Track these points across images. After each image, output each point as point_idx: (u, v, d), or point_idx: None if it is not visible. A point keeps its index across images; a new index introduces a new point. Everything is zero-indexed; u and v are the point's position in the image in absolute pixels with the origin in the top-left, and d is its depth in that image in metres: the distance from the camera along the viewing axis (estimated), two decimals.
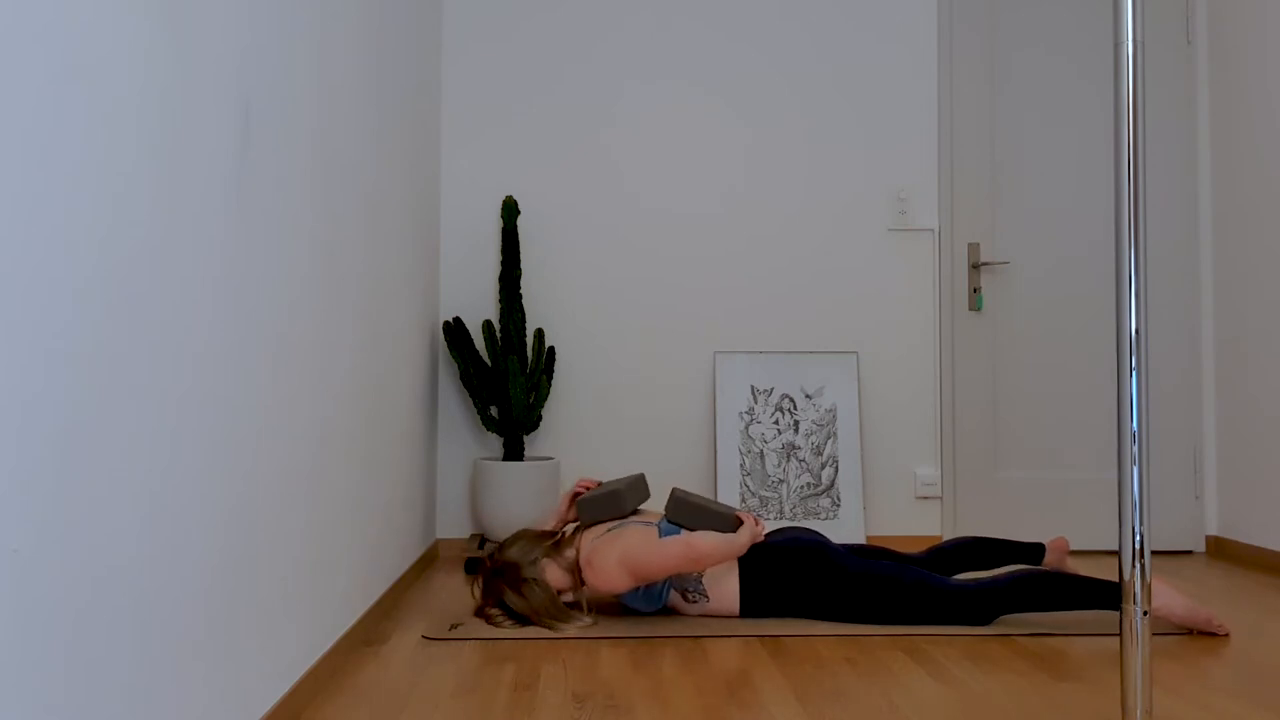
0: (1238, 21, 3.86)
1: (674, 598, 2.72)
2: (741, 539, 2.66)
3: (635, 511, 2.90)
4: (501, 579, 2.67)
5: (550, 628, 2.61)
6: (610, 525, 2.77)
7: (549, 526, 2.92)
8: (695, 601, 2.71)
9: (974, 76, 4.03)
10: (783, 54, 4.04)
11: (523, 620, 2.64)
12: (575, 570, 2.70)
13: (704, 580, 2.71)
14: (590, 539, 2.75)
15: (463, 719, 1.91)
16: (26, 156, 1.01)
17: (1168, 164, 4.03)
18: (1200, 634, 2.58)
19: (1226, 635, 2.57)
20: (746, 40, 4.04)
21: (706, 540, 2.60)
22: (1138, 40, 1.62)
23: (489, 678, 2.19)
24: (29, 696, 1.03)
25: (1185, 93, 4.04)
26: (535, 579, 2.65)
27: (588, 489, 2.93)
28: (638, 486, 2.87)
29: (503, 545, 2.76)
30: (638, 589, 2.68)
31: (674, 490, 2.83)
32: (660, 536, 2.68)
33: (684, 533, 2.66)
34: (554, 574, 2.69)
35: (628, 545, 2.61)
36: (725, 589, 2.70)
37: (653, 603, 2.71)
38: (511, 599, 2.64)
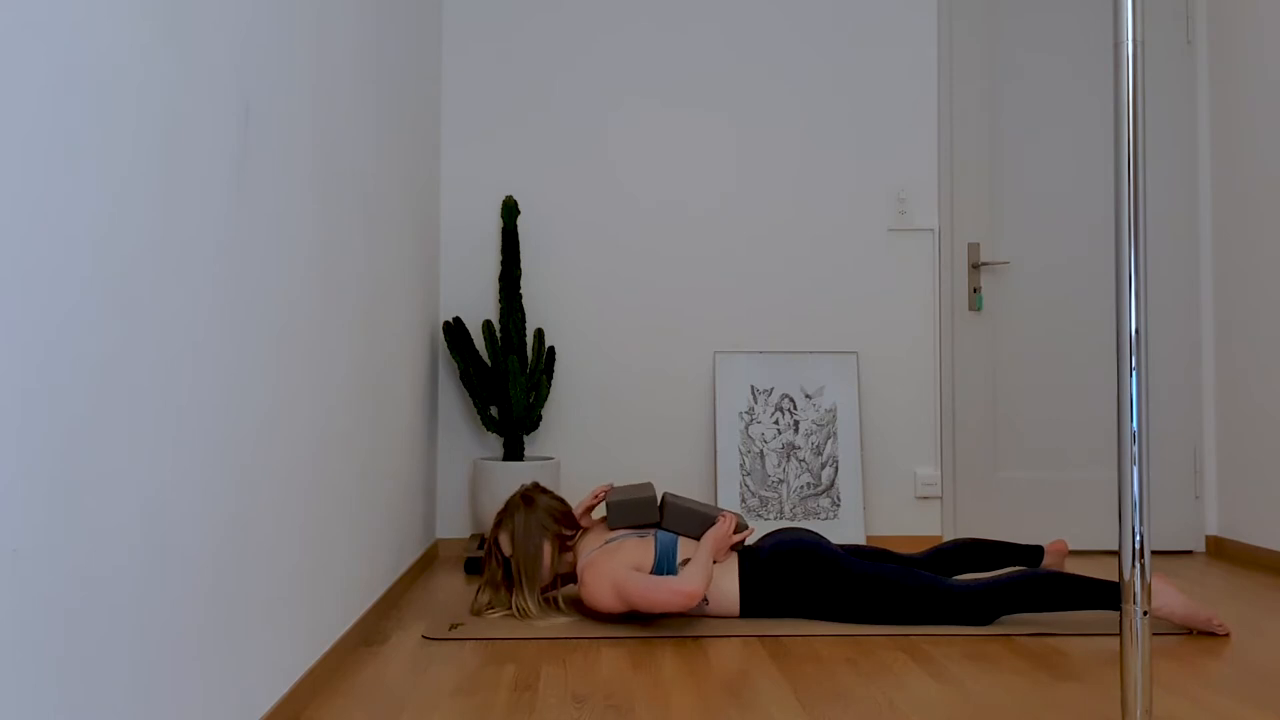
0: (1238, 21, 3.86)
1: None
2: (706, 545, 2.66)
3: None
4: (523, 512, 2.74)
5: (522, 609, 2.67)
6: (609, 537, 2.77)
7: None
8: (697, 605, 2.71)
9: (974, 76, 4.03)
10: (782, 54, 4.04)
11: (506, 576, 2.72)
12: (560, 575, 2.79)
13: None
14: (587, 549, 2.76)
15: (462, 719, 1.91)
16: (26, 157, 1.01)
17: (1168, 164, 4.03)
18: (1200, 634, 2.58)
19: (1227, 635, 2.57)
20: (746, 41, 4.03)
21: (694, 580, 2.57)
22: (1138, 40, 1.62)
23: (489, 678, 2.19)
24: (29, 696, 1.03)
25: (1185, 93, 4.04)
26: (537, 545, 2.71)
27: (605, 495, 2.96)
28: (655, 500, 2.85)
29: (542, 488, 2.83)
30: None
31: (665, 495, 2.84)
32: (656, 549, 2.69)
33: (671, 577, 2.62)
34: (547, 560, 2.73)
35: (624, 578, 2.59)
36: (725, 591, 2.70)
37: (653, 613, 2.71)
38: (514, 530, 2.71)
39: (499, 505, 3.54)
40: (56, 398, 1.07)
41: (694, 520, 2.76)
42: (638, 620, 2.69)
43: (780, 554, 2.71)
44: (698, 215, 4.00)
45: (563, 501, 2.84)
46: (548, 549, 2.74)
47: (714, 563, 2.69)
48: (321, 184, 2.09)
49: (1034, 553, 2.98)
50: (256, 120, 1.68)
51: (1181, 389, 3.99)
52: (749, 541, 3.33)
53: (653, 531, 2.76)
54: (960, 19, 4.04)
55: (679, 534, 2.76)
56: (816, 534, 2.82)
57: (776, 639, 2.54)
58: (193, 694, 1.43)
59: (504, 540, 2.76)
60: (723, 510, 2.82)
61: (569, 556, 2.80)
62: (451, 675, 2.21)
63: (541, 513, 2.76)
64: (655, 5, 4.02)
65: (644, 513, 2.79)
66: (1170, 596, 2.54)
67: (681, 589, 2.54)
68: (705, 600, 2.70)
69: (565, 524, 2.79)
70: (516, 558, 2.72)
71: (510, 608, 2.72)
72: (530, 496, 2.80)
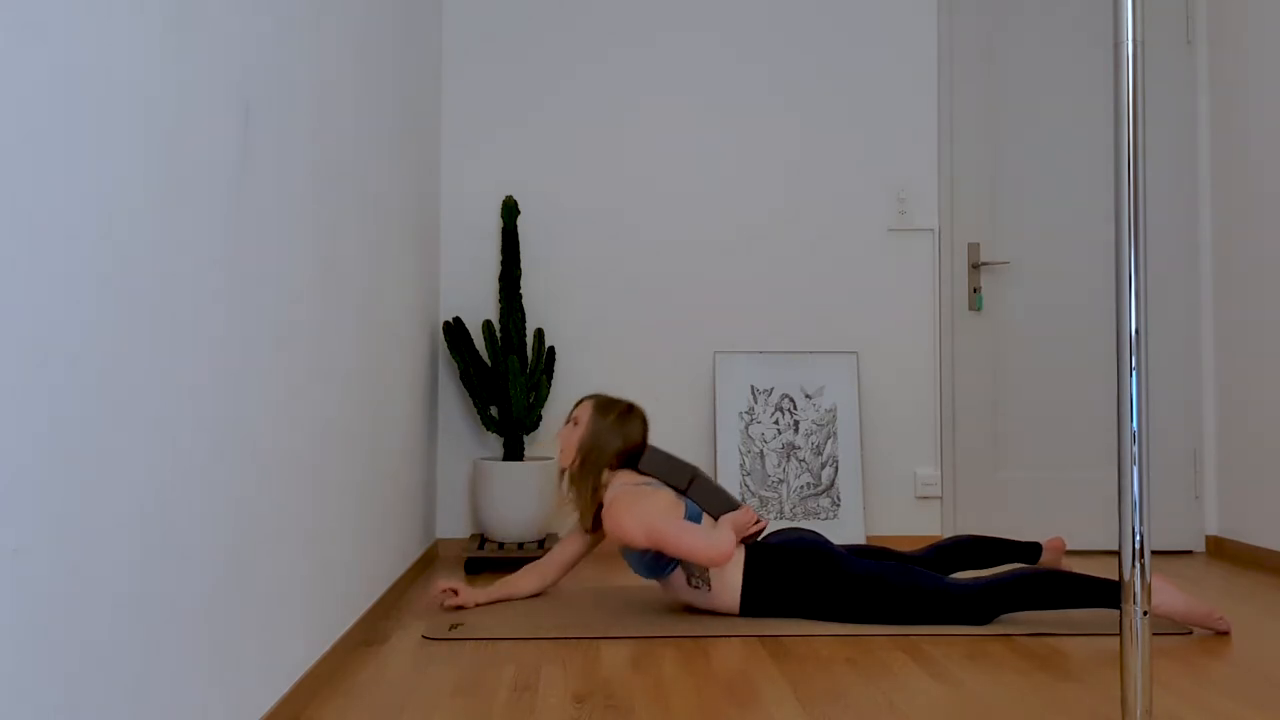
0: (1238, 21, 3.86)
1: (677, 576, 2.72)
2: (727, 522, 2.69)
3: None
4: (617, 416, 2.86)
5: (573, 480, 2.85)
6: (641, 480, 2.80)
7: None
8: (697, 587, 2.71)
9: (974, 76, 4.03)
10: (782, 55, 4.04)
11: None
12: (594, 505, 2.86)
13: (711, 569, 2.71)
14: (618, 482, 2.79)
15: (463, 719, 1.91)
16: (27, 157, 1.01)
17: (1168, 164, 4.02)
18: (1203, 632, 2.57)
19: (1228, 632, 2.57)
20: (746, 42, 4.03)
21: (727, 541, 2.60)
22: (1138, 40, 1.62)
23: (489, 678, 2.19)
24: (28, 697, 1.03)
25: (1185, 93, 4.04)
26: (605, 445, 2.83)
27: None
28: (691, 470, 2.90)
29: (644, 420, 2.92)
30: (647, 552, 2.69)
31: (697, 472, 2.85)
32: (686, 510, 2.72)
33: (709, 529, 2.65)
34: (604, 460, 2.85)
35: (658, 520, 2.62)
36: (728, 582, 2.70)
37: (655, 573, 2.72)
38: (597, 422, 2.84)
39: (499, 505, 3.55)
40: (56, 397, 1.07)
41: (718, 500, 2.79)
42: (638, 620, 2.69)
43: (785, 551, 2.71)
44: (698, 215, 3.99)
45: (643, 445, 2.89)
46: (605, 455, 2.83)
47: None
48: (321, 184, 2.09)
49: (1032, 550, 2.98)
50: (256, 120, 1.68)
51: (1181, 389, 3.99)
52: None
53: (683, 498, 2.78)
54: (960, 19, 4.04)
55: (702, 509, 2.78)
56: (819, 534, 2.83)
57: (776, 639, 2.54)
58: (193, 694, 1.43)
59: (584, 412, 2.88)
60: (743, 505, 2.83)
61: (604, 476, 2.85)
62: (451, 675, 2.21)
63: (623, 432, 2.85)
64: (656, 7, 4.02)
65: (677, 473, 2.83)
66: (1169, 594, 2.54)
67: (714, 543, 2.58)
68: (708, 585, 2.70)
69: (627, 455, 2.86)
70: (585, 441, 2.84)
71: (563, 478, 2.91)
72: (628, 414, 2.88)
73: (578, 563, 3.02)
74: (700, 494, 2.80)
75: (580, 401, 2.95)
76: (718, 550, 2.58)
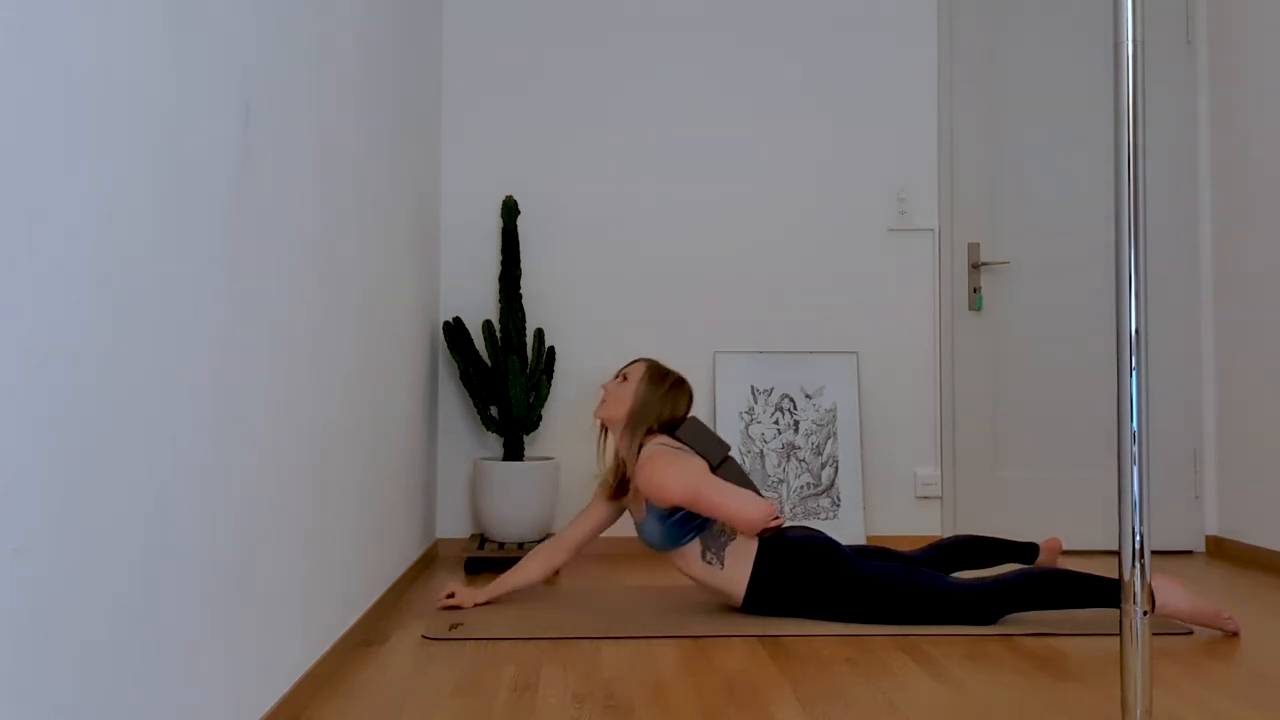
0: (1238, 21, 3.86)
1: (693, 548, 2.72)
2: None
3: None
4: (668, 387, 2.87)
5: (616, 435, 2.86)
6: (676, 445, 2.80)
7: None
8: (710, 563, 2.71)
9: (974, 76, 4.03)
10: (782, 54, 4.04)
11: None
12: (623, 463, 2.86)
13: (728, 547, 2.71)
14: (654, 443, 2.80)
15: (463, 719, 1.92)
16: (26, 157, 1.01)
17: (1168, 164, 4.02)
18: (1211, 631, 2.57)
19: (1237, 633, 2.55)
20: (746, 42, 4.03)
21: (765, 508, 2.62)
22: (1138, 40, 1.62)
23: (489, 678, 2.19)
24: (29, 696, 1.03)
25: (1185, 93, 4.04)
26: (648, 413, 2.82)
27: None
28: (726, 448, 2.91)
29: (691, 395, 2.92)
30: (674, 515, 2.69)
31: (730, 453, 2.85)
32: None
33: (750, 494, 2.68)
34: (644, 422, 2.85)
35: (701, 479, 2.64)
36: (740, 565, 2.70)
37: (673, 540, 2.71)
38: (650, 389, 2.84)
39: (499, 505, 3.55)
40: (56, 397, 1.07)
41: (745, 485, 2.80)
42: (638, 620, 2.69)
43: (795, 547, 2.71)
44: (698, 215, 3.99)
45: (685, 419, 2.90)
46: (647, 421, 2.83)
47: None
48: (322, 184, 2.09)
49: (1029, 550, 2.98)
50: (256, 120, 1.68)
51: (1181, 389, 3.99)
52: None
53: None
54: (960, 19, 4.04)
55: None
56: (827, 534, 2.83)
57: (777, 639, 2.54)
58: (193, 693, 1.43)
59: (636, 372, 2.88)
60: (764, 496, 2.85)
61: (638, 439, 2.84)
62: (451, 675, 2.21)
63: (671, 405, 2.85)
64: (656, 8, 4.02)
65: (713, 448, 2.84)
66: (1176, 595, 2.53)
67: (753, 506, 2.60)
68: (721, 563, 2.70)
69: (667, 426, 2.86)
70: (636, 400, 2.83)
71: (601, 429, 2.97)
72: (679, 388, 2.88)
73: (597, 535, 2.96)
74: (729, 475, 2.80)
75: (634, 361, 2.94)
76: (758, 512, 2.60)
